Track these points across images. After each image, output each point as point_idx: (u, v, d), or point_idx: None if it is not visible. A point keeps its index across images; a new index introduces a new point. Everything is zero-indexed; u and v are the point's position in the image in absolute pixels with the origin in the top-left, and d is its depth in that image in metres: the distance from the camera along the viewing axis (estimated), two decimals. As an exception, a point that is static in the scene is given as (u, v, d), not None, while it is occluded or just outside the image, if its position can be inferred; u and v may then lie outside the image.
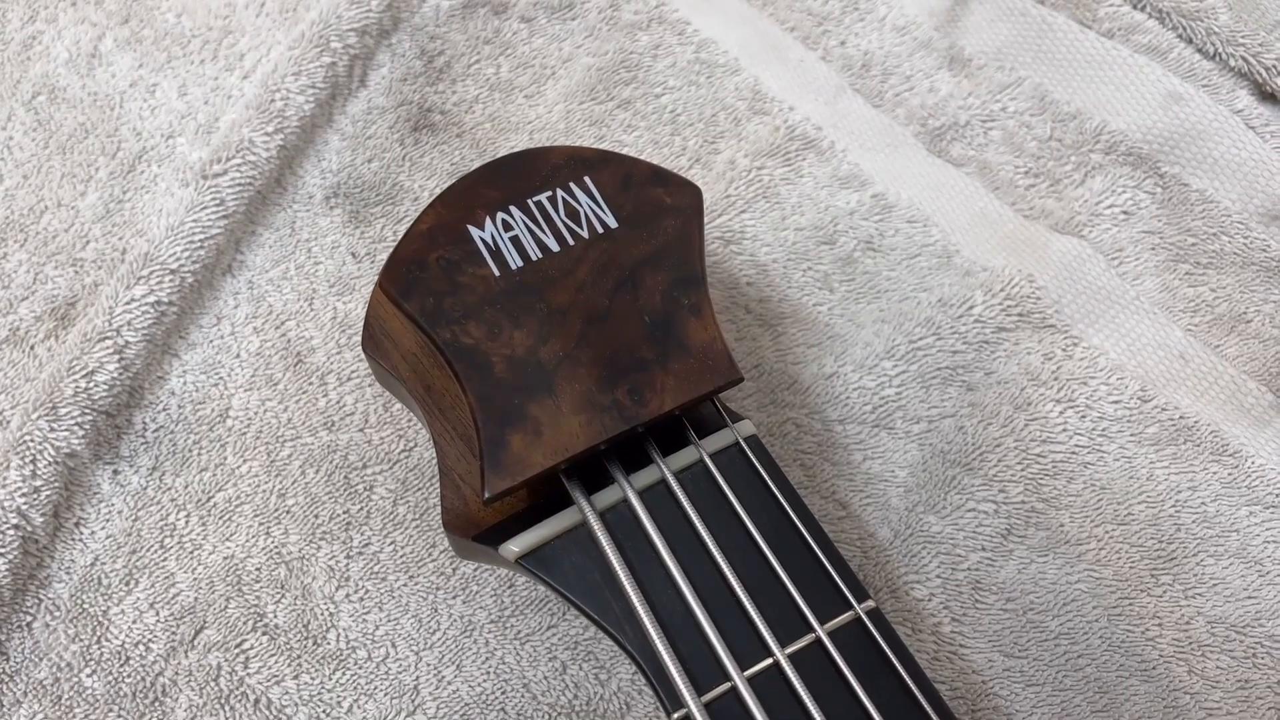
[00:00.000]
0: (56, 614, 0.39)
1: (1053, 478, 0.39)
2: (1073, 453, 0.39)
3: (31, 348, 0.43)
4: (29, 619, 0.38)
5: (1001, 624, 0.37)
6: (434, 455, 0.41)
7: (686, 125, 0.46)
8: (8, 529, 0.39)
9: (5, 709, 0.37)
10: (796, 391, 0.41)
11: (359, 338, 0.43)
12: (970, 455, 0.39)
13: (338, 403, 0.42)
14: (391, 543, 0.40)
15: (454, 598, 0.39)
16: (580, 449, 0.30)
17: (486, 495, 0.30)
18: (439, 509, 0.40)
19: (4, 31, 0.50)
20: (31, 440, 0.39)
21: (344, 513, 0.40)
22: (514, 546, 0.31)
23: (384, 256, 0.45)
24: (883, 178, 0.44)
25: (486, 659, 0.38)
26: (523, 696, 0.37)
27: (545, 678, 0.37)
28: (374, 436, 0.41)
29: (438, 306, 0.32)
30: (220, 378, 0.42)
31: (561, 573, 0.30)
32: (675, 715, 0.28)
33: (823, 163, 0.45)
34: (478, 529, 0.32)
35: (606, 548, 0.30)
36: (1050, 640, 0.37)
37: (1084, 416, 0.40)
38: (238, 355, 0.43)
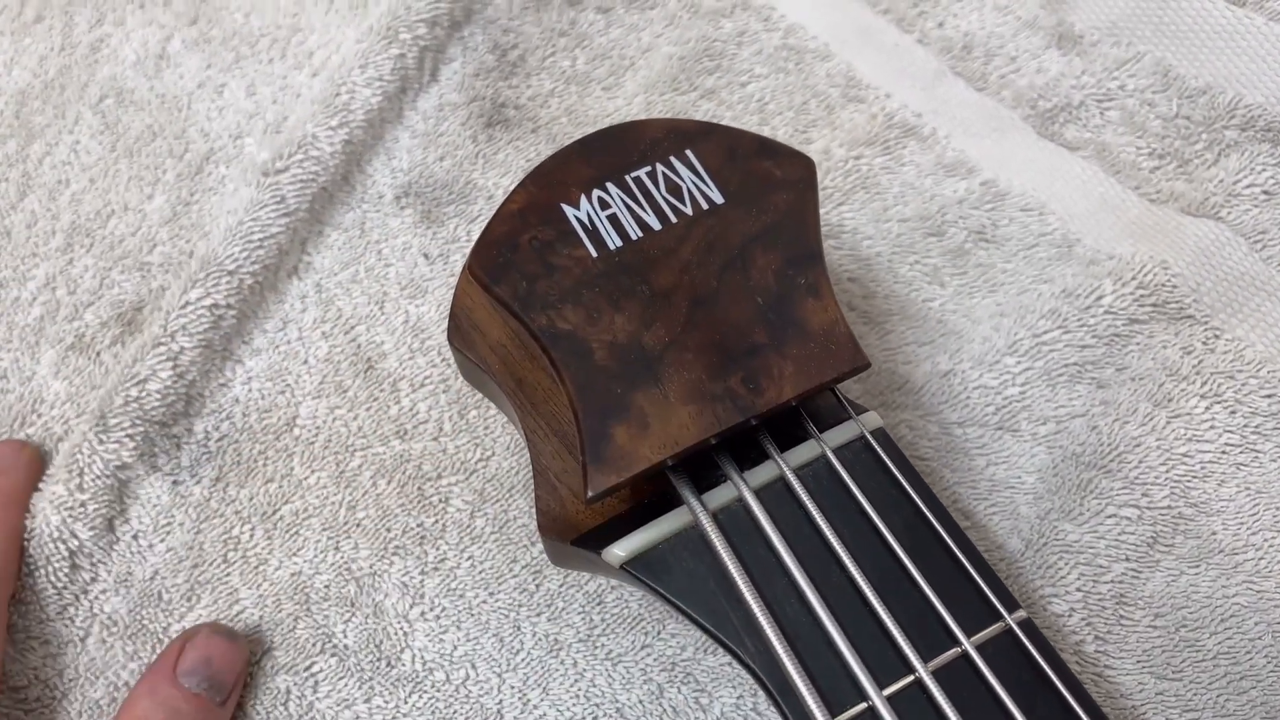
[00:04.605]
0: (113, 630, 0.36)
1: (1201, 480, 0.35)
2: (1223, 452, 0.36)
3: (98, 354, 0.41)
4: (81, 634, 0.36)
5: (1151, 642, 0.33)
6: (512, 465, 0.39)
7: (775, 114, 0.44)
8: (49, 542, 0.36)
9: (62, 733, 0.35)
10: (908, 392, 0.38)
11: (432, 342, 0.41)
12: (1107, 456, 0.36)
13: (410, 410, 0.39)
14: (469, 558, 0.37)
15: (538, 615, 0.36)
16: (691, 442, 0.27)
17: (590, 494, 0.27)
18: (519, 521, 0.37)
19: (71, 35, 0.48)
20: (80, 453, 0.37)
21: (418, 526, 0.37)
22: (619, 550, 0.28)
23: (458, 258, 0.43)
24: (991, 164, 0.41)
25: (575, 681, 0.35)
26: (617, 723, 0.34)
27: (640, 701, 0.34)
28: (449, 445, 0.39)
29: (531, 290, 0.29)
30: (287, 385, 0.40)
31: (672, 579, 0.27)
32: (806, 740, 0.25)
33: (925, 150, 0.42)
34: (576, 532, 0.29)
35: (722, 551, 0.27)
36: (1208, 661, 0.33)
37: (1234, 412, 0.36)
38: (305, 361, 0.41)
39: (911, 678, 0.25)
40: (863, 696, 0.25)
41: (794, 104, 0.44)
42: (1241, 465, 0.35)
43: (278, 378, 0.40)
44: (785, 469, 0.28)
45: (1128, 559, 0.34)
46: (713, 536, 0.27)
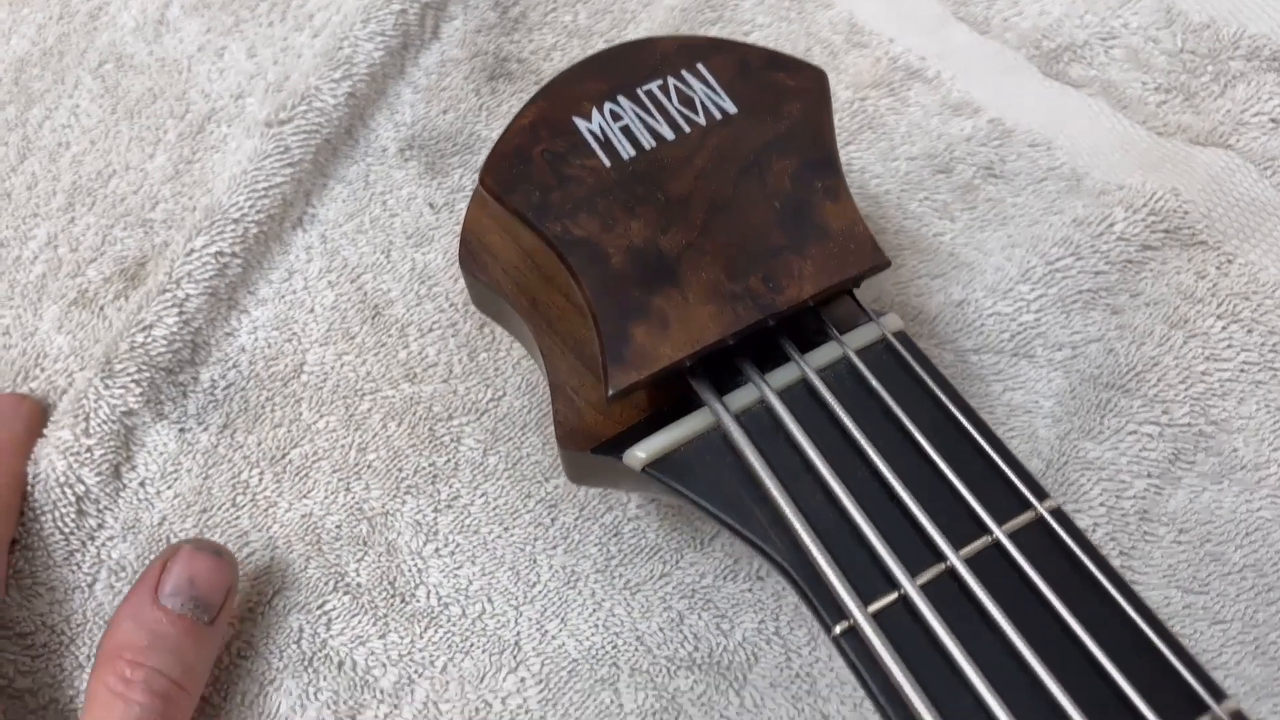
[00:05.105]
0: (121, 575, 0.35)
1: (1221, 398, 0.35)
2: (1242, 370, 0.35)
3: (101, 309, 0.41)
4: (88, 580, 0.35)
5: (1176, 557, 0.33)
6: (524, 404, 0.38)
7: (780, 61, 0.44)
8: (55, 487, 0.36)
9: (67, 673, 0.34)
10: (922, 322, 0.37)
11: (439, 289, 0.40)
12: (1125, 376, 0.35)
13: (419, 354, 0.39)
14: (483, 495, 0.36)
15: (554, 548, 0.35)
16: (712, 340, 0.27)
17: (610, 392, 0.26)
18: (532, 458, 0.37)
19: (69, 3, 0.48)
20: (86, 398, 0.37)
21: (429, 466, 0.37)
22: (640, 453, 0.27)
23: (463, 206, 0.42)
24: (997, 103, 0.41)
25: (594, 611, 0.34)
26: (636, 650, 0.33)
27: (660, 629, 0.34)
28: (459, 387, 0.38)
29: (545, 200, 0.29)
30: (294, 333, 0.40)
31: (695, 480, 0.27)
32: (837, 629, 0.24)
33: (931, 91, 0.42)
34: (596, 441, 0.28)
35: (746, 449, 0.27)
36: (1234, 574, 0.33)
37: (1251, 331, 0.36)
38: (311, 310, 0.40)
39: (943, 566, 0.25)
40: (894, 585, 0.25)
41: (797, 50, 0.44)
42: (1260, 383, 0.35)
43: (284, 326, 0.40)
44: (807, 370, 0.28)
45: (1149, 475, 0.34)
46: (736, 435, 0.27)
